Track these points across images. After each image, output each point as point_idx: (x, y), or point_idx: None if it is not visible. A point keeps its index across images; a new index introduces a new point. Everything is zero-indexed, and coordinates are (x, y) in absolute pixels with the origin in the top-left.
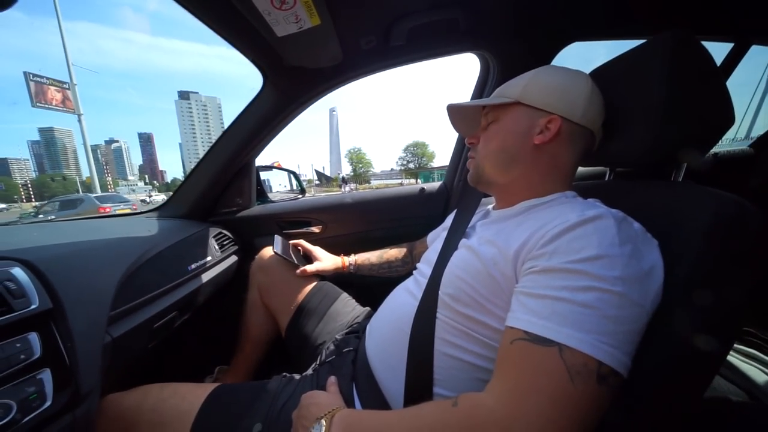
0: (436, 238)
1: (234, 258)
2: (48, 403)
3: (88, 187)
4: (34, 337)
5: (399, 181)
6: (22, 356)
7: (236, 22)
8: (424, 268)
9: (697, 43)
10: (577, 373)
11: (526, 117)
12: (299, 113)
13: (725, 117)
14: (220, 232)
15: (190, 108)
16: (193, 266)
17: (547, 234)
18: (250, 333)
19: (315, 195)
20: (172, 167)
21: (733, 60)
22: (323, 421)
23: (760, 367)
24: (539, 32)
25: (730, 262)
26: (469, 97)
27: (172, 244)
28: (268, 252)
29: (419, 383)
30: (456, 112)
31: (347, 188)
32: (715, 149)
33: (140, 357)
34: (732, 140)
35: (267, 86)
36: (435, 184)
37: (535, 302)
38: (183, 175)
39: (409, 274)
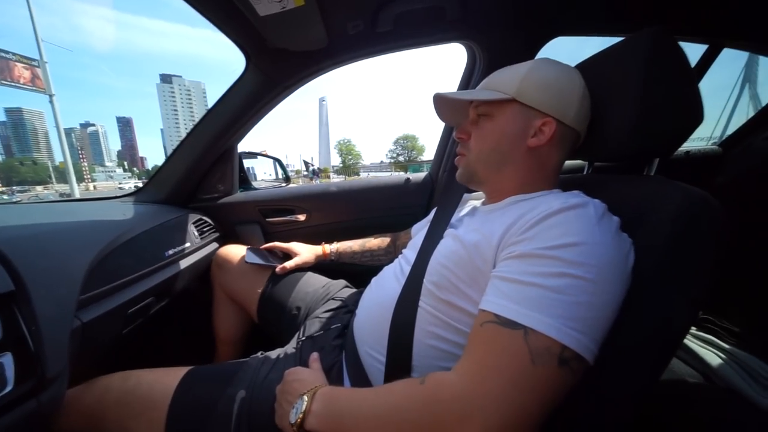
0: (420, 229)
1: (214, 245)
2: (9, 388)
3: (61, 172)
4: None
5: (389, 173)
6: None
7: (218, 1)
8: (410, 254)
9: (674, 42)
10: (539, 355)
11: (521, 117)
12: (284, 97)
13: (695, 116)
14: (200, 219)
15: (173, 92)
16: (170, 252)
17: (529, 220)
18: (221, 334)
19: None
20: (153, 153)
21: (706, 61)
22: (305, 397)
23: (716, 351)
24: (525, 25)
25: (693, 251)
26: (456, 89)
27: (148, 228)
28: (226, 251)
29: (398, 369)
30: (443, 102)
31: (316, 181)
32: (687, 147)
33: (115, 343)
34: (709, 139)
35: (250, 68)
36: (420, 175)
37: (507, 286)
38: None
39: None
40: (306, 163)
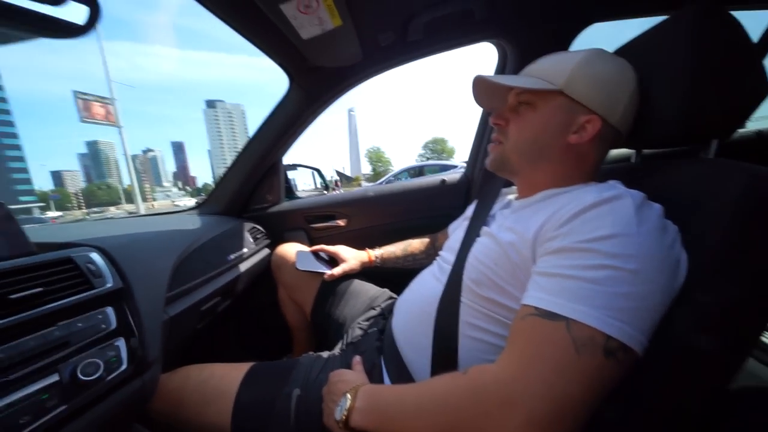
0: (457, 228)
1: (267, 251)
2: (124, 366)
3: (128, 193)
4: (110, 311)
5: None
6: (103, 326)
7: (266, 28)
8: (448, 255)
9: (723, 12)
10: (583, 345)
11: (566, 110)
12: (322, 111)
13: (757, 91)
14: (254, 227)
15: (217, 116)
16: (231, 257)
17: (563, 216)
18: (292, 323)
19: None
20: (202, 173)
21: None
22: (348, 395)
23: None
24: (556, 16)
25: (761, 240)
26: None
27: (212, 236)
28: (282, 250)
29: (445, 364)
30: (481, 86)
31: (340, 191)
32: (759, 127)
33: (192, 336)
34: None
35: (293, 87)
36: (456, 175)
37: (547, 281)
38: (212, 179)
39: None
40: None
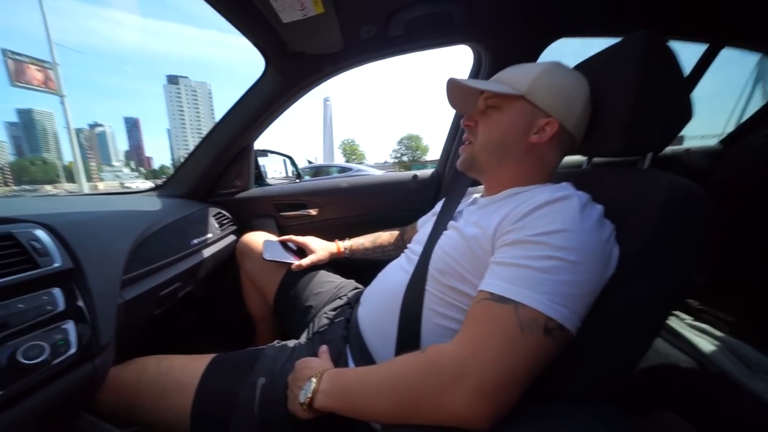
0: (426, 222)
1: (233, 237)
2: (72, 350)
3: (69, 171)
4: (57, 292)
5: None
6: (49, 307)
7: (244, 6)
8: (416, 247)
9: (664, 44)
10: (527, 325)
11: (528, 114)
12: (299, 98)
13: (683, 113)
14: (219, 212)
15: (179, 93)
16: (195, 241)
17: (520, 212)
18: (256, 313)
19: None
20: (159, 154)
21: (706, 60)
22: (313, 379)
23: (710, 339)
24: (528, 28)
25: (680, 235)
26: None
27: (174, 219)
28: (248, 238)
29: (408, 348)
30: (455, 89)
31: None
32: (688, 145)
33: (148, 322)
34: (721, 135)
35: (269, 70)
36: (427, 171)
37: (501, 269)
38: (171, 161)
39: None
40: (287, 159)
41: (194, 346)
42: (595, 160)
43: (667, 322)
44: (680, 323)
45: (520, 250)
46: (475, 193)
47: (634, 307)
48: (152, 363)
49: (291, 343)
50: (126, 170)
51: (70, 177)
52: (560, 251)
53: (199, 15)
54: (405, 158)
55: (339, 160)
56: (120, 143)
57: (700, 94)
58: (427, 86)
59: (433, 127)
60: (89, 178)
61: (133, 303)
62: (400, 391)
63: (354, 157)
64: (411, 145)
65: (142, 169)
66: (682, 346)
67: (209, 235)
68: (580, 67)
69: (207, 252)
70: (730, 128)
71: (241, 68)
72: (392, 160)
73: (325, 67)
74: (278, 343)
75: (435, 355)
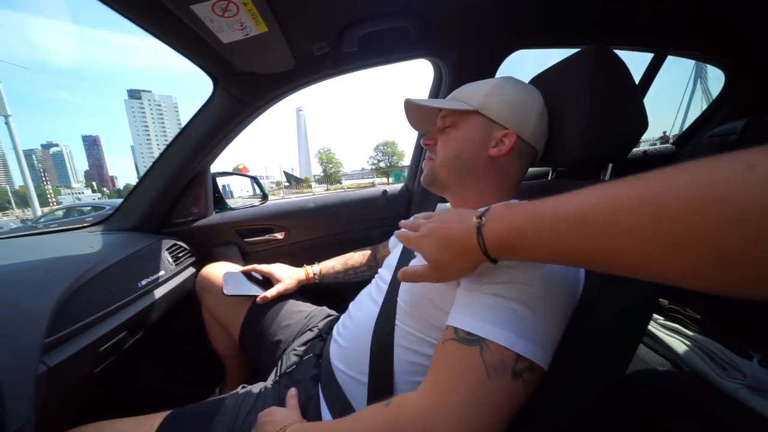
0: (397, 244)
1: (191, 270)
2: None
3: (21, 197)
4: None
5: (371, 180)
6: None
7: (179, 28)
8: (385, 274)
9: (613, 57)
10: (494, 369)
11: (483, 128)
12: (255, 118)
13: (639, 123)
14: (175, 244)
15: (143, 108)
16: (143, 282)
17: None
18: (221, 351)
19: (285, 197)
20: (125, 172)
21: (654, 67)
22: None
23: (681, 339)
24: (484, 41)
25: None
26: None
27: (119, 260)
28: (208, 271)
29: (381, 387)
30: (413, 109)
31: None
32: (645, 148)
33: (86, 384)
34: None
35: (218, 92)
36: (397, 186)
37: (467, 302)
38: (138, 179)
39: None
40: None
41: (159, 395)
42: (560, 169)
43: None
44: (653, 324)
45: (486, 279)
46: (444, 210)
47: (608, 329)
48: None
49: (257, 387)
50: (87, 191)
51: (23, 202)
52: (527, 283)
53: None
54: (382, 164)
55: (316, 169)
56: (80, 163)
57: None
58: (401, 92)
59: (409, 132)
60: (45, 203)
61: (62, 367)
62: None
63: (331, 165)
64: (387, 151)
65: (105, 189)
66: (657, 348)
67: (161, 273)
68: (536, 80)
69: (159, 292)
70: (676, 129)
71: (208, 79)
72: (370, 167)
73: (279, 86)
74: (242, 389)
75: (399, 407)
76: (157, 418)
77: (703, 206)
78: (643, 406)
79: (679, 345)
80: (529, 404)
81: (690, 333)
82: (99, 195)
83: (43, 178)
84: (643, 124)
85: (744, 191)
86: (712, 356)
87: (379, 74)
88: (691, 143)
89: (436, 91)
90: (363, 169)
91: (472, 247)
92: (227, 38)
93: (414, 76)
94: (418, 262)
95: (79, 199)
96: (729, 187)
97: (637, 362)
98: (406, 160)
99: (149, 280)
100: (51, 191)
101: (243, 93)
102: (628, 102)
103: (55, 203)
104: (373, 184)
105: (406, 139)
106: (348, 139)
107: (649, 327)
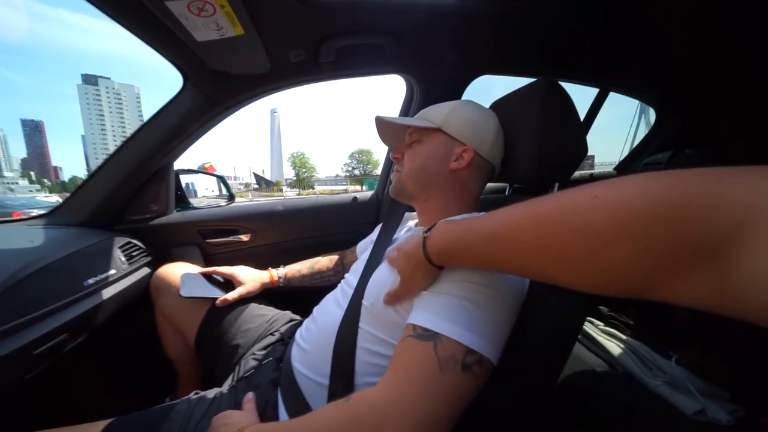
0: (364, 250)
1: (146, 270)
2: None
3: None
4: None
5: (344, 187)
6: None
7: (150, 21)
8: (352, 279)
9: (561, 89)
10: (445, 363)
11: (445, 144)
12: (225, 117)
13: (579, 149)
14: (129, 242)
15: (98, 95)
16: (90, 281)
17: None
18: (174, 356)
19: (253, 200)
20: (72, 164)
21: (599, 101)
22: None
23: (617, 342)
24: (452, 65)
25: None
26: (398, 114)
27: (63, 256)
28: (165, 271)
29: (341, 389)
30: (384, 125)
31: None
32: (591, 171)
33: (16, 390)
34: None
35: (188, 88)
36: (367, 194)
37: (424, 301)
38: (87, 172)
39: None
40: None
41: (102, 404)
42: (516, 186)
43: (584, 328)
44: (594, 329)
45: (446, 281)
46: (411, 220)
47: (547, 329)
48: None
49: (211, 393)
50: (23, 182)
51: None
52: (478, 283)
53: None
54: (357, 172)
55: (288, 173)
56: (16, 150)
57: (603, 126)
58: (379, 102)
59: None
60: None
61: None
62: None
63: (304, 170)
64: (362, 159)
65: (46, 180)
66: (597, 351)
67: (112, 272)
68: (497, 104)
69: (108, 292)
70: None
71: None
72: (344, 174)
73: (252, 87)
74: (195, 394)
75: (358, 402)
76: (98, 426)
77: (562, 225)
78: (585, 405)
79: (615, 348)
80: (479, 396)
81: (624, 337)
82: (38, 186)
83: None
84: (583, 151)
85: (588, 215)
86: (641, 357)
87: (359, 83)
88: (630, 168)
89: (408, 106)
90: (337, 175)
91: (422, 257)
92: (202, 37)
93: (392, 88)
94: (385, 267)
95: (12, 190)
96: (578, 211)
97: (579, 364)
98: (381, 169)
99: (97, 279)
100: None
101: (214, 91)
102: (571, 130)
103: None
104: (346, 191)
105: (381, 149)
106: (323, 144)
107: (590, 332)
